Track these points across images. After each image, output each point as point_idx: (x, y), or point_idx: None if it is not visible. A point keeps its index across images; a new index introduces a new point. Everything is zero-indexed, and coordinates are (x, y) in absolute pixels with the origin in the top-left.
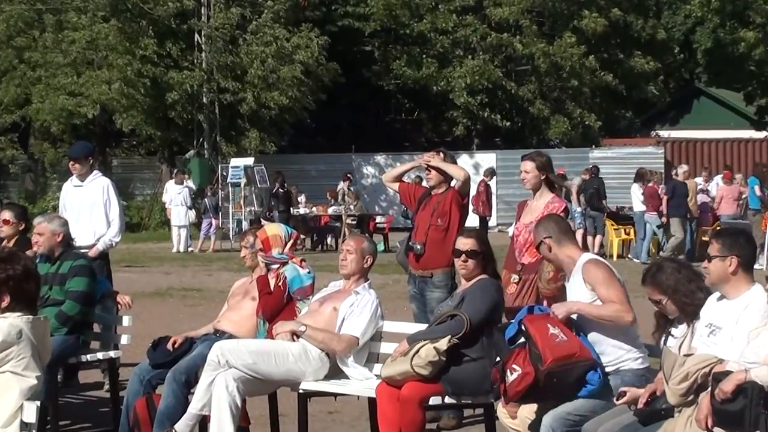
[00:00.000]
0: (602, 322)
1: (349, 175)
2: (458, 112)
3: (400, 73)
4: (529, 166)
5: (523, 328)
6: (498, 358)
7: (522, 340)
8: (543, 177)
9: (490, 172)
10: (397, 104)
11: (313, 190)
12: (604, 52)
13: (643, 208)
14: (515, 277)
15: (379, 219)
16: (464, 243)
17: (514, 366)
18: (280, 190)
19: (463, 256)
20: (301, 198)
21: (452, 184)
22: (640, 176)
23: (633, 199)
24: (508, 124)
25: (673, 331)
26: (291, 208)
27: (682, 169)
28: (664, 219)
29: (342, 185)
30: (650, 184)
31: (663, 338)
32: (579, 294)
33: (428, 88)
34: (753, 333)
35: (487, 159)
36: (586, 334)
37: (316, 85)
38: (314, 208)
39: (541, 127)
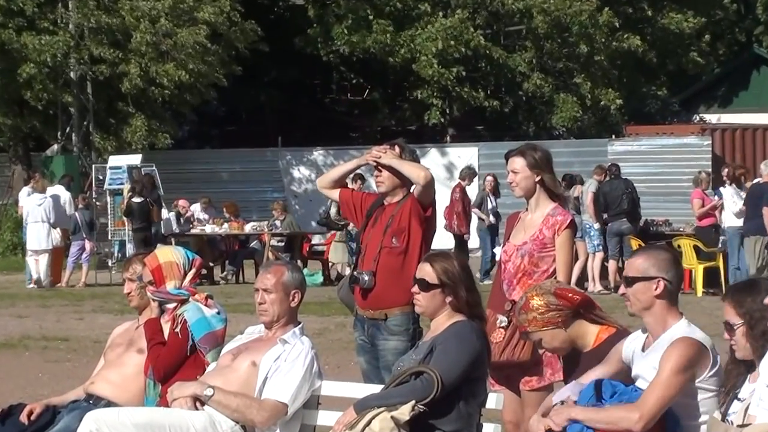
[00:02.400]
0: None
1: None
2: (425, 89)
3: (343, 39)
4: (518, 164)
5: None
6: None
7: None
8: (538, 179)
9: (469, 174)
10: (340, 81)
11: (226, 199)
12: (627, 5)
13: (738, 222)
14: (503, 320)
15: (316, 239)
16: (420, 269)
17: None
18: (134, 199)
19: (415, 287)
20: (196, 210)
21: (411, 189)
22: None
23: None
24: (495, 105)
25: (742, 390)
26: (152, 225)
27: None
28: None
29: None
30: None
31: (728, 400)
32: (649, 369)
33: (383, 59)
34: None
35: (467, 155)
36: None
37: (228, 54)
38: (225, 225)
39: (540, 110)
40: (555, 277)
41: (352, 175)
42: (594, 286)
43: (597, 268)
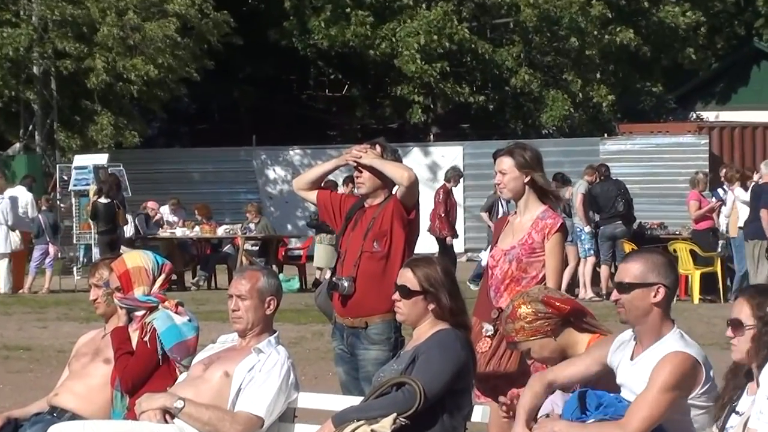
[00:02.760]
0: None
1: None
2: (407, 85)
3: (321, 32)
4: (506, 164)
5: None
6: None
7: None
8: (527, 180)
9: (454, 175)
10: (317, 76)
11: (197, 201)
12: None
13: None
14: (489, 328)
15: (292, 243)
16: (401, 275)
17: None
18: (100, 200)
19: (396, 294)
20: (165, 212)
21: (394, 191)
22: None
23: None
24: (481, 102)
25: (740, 403)
26: (117, 228)
27: None
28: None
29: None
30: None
31: (724, 414)
32: (638, 381)
33: (363, 53)
34: None
35: (451, 154)
36: None
37: (199, 48)
38: (196, 228)
39: (528, 107)
40: (544, 284)
41: (343, 178)
42: (585, 293)
43: (588, 273)
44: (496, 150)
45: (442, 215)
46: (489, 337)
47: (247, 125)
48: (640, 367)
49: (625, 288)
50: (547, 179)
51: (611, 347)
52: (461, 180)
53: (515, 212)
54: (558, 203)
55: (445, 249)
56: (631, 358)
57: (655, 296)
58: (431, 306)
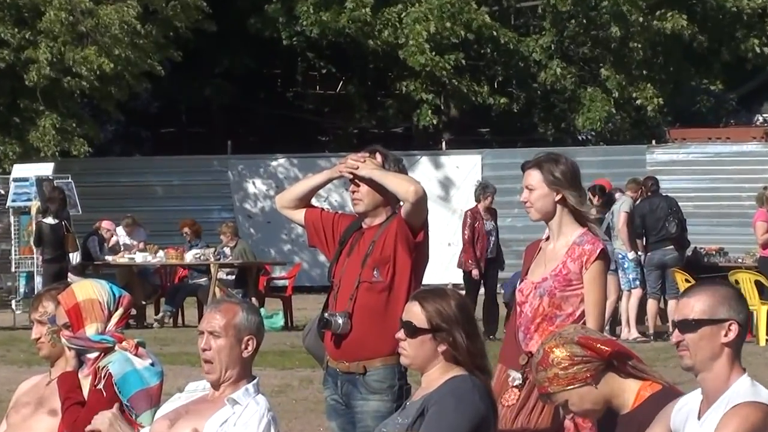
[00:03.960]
0: None
1: None
2: (414, 82)
3: (310, 18)
4: (534, 178)
5: None
6: None
7: None
8: (558, 198)
9: (484, 191)
10: (306, 70)
11: (161, 221)
12: None
13: None
14: (517, 377)
15: (276, 272)
16: (407, 310)
17: None
18: (46, 221)
19: (402, 332)
20: (122, 234)
21: (397, 209)
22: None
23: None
24: (503, 102)
25: None
26: (66, 255)
27: None
28: None
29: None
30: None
31: None
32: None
33: (361, 43)
34: None
35: (467, 165)
36: None
37: (165, 36)
38: (160, 253)
39: (561, 108)
40: (582, 322)
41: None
42: (628, 332)
43: (633, 309)
44: (525, 162)
45: (467, 242)
46: (517, 387)
47: (222, 129)
48: (708, 425)
49: (690, 326)
50: (583, 198)
51: (675, 408)
52: (494, 195)
53: (547, 237)
54: (596, 229)
55: (471, 285)
56: (698, 417)
57: (726, 335)
58: (442, 347)
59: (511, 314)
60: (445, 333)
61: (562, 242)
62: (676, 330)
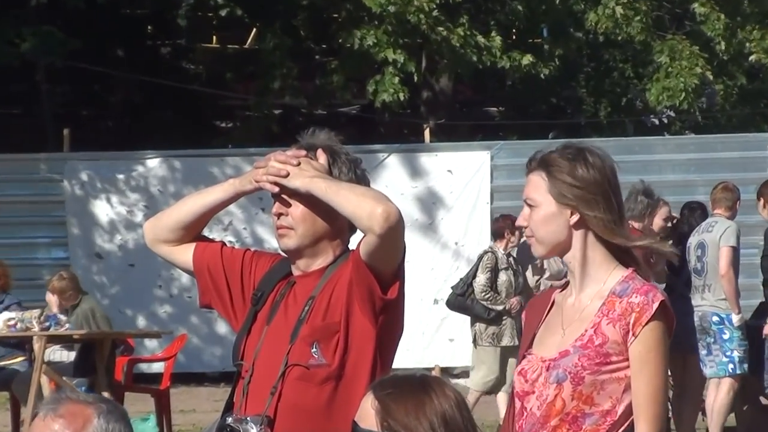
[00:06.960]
0: None
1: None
2: (376, 31)
3: None
4: (535, 187)
5: None
6: None
7: None
8: (574, 221)
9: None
10: (195, 10)
11: None
12: None
13: None
14: None
15: (145, 348)
16: (362, 409)
17: None
18: None
19: None
20: None
21: (352, 243)
22: None
23: None
24: (525, 65)
25: None
26: None
27: None
28: None
29: None
30: None
31: None
32: None
33: None
34: None
35: (466, 166)
36: None
37: None
38: None
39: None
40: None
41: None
42: None
43: (724, 406)
44: (530, 158)
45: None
46: None
47: (53, 113)
48: None
49: None
50: (618, 218)
51: None
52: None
53: (565, 283)
54: (647, 270)
55: None
56: None
57: None
58: None
59: (506, 413)
60: None
61: (592, 291)
62: None
